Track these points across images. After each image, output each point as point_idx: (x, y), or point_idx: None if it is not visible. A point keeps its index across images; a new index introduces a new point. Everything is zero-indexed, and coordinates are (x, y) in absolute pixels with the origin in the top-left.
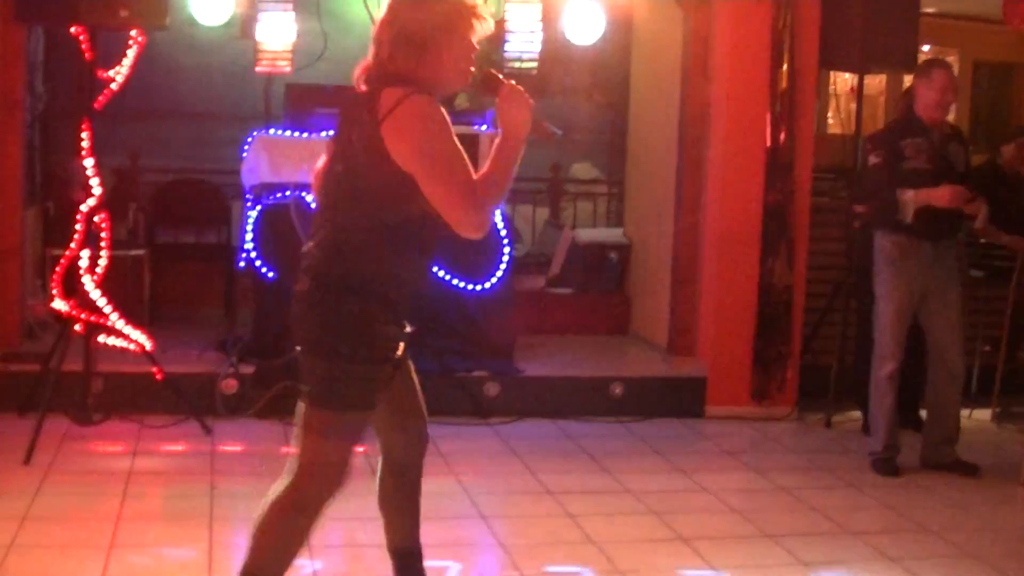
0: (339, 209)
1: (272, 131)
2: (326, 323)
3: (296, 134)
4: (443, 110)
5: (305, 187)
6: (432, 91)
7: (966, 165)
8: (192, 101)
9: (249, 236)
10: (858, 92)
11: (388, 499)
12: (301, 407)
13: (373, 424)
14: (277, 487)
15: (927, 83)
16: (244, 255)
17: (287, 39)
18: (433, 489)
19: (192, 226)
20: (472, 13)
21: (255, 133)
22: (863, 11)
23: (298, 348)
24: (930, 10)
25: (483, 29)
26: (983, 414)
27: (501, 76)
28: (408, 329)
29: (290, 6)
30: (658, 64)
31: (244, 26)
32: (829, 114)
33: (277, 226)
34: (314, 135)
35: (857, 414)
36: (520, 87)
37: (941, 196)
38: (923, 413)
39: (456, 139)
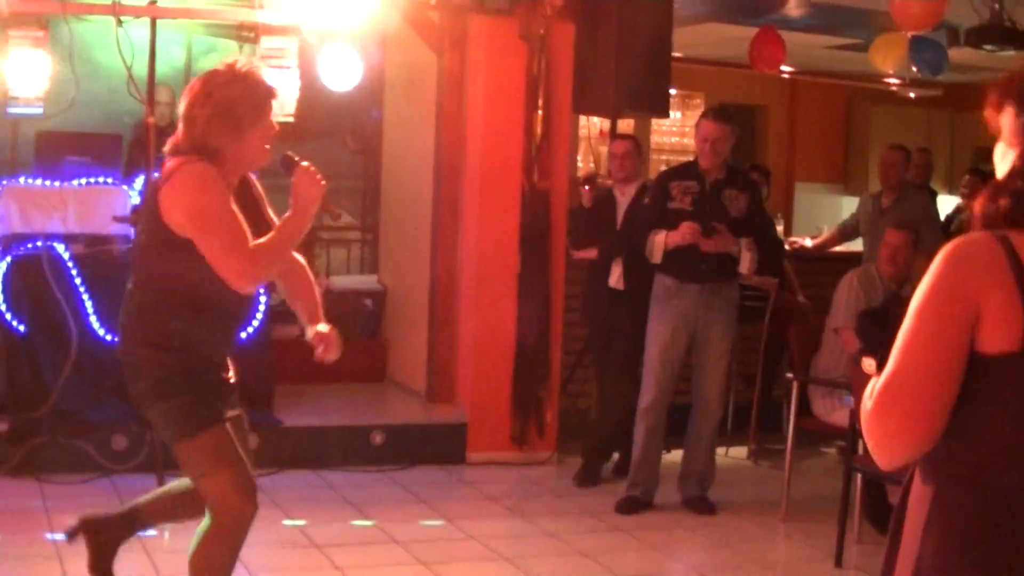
0: (136, 270)
1: (22, 179)
2: (139, 374)
3: (48, 183)
4: (217, 177)
5: (57, 237)
6: (235, 168)
7: (747, 211)
8: None
9: None
10: (611, 135)
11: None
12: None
13: None
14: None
15: (696, 131)
16: None
17: (40, 79)
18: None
19: None
20: (272, 95)
21: (4, 182)
22: (616, 56)
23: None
24: (678, 54)
25: (276, 110)
26: (740, 451)
27: (296, 158)
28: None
29: (42, 47)
30: (412, 108)
31: None
32: (579, 156)
33: (28, 278)
34: (66, 184)
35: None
36: (312, 168)
37: (677, 234)
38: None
39: (231, 206)
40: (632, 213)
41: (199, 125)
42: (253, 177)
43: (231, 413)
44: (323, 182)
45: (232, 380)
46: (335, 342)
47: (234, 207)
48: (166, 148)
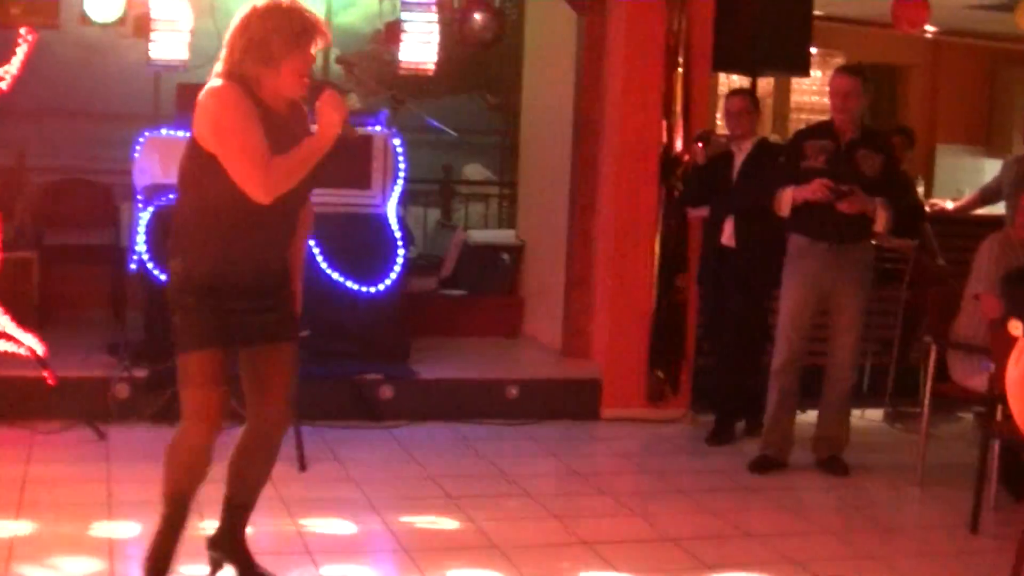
0: (177, 190)
1: (164, 131)
2: (168, 284)
3: (188, 134)
4: (245, 99)
5: None
6: (271, 98)
7: (882, 171)
8: (80, 100)
9: (141, 238)
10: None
11: (239, 458)
12: None
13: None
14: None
15: (829, 89)
16: (136, 257)
17: (182, 32)
18: (331, 493)
19: (81, 227)
20: (316, 29)
21: (146, 134)
22: (756, 14)
23: None
24: (818, 13)
25: (322, 44)
26: (875, 414)
27: (328, 85)
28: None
29: (186, 5)
30: (551, 65)
31: (137, 24)
32: (718, 115)
33: (169, 228)
34: None
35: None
36: (337, 93)
37: (806, 190)
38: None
39: (253, 121)
40: (748, 170)
41: (236, 54)
42: (305, 108)
43: (260, 343)
44: (344, 106)
45: (274, 309)
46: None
47: (254, 124)
48: (213, 71)
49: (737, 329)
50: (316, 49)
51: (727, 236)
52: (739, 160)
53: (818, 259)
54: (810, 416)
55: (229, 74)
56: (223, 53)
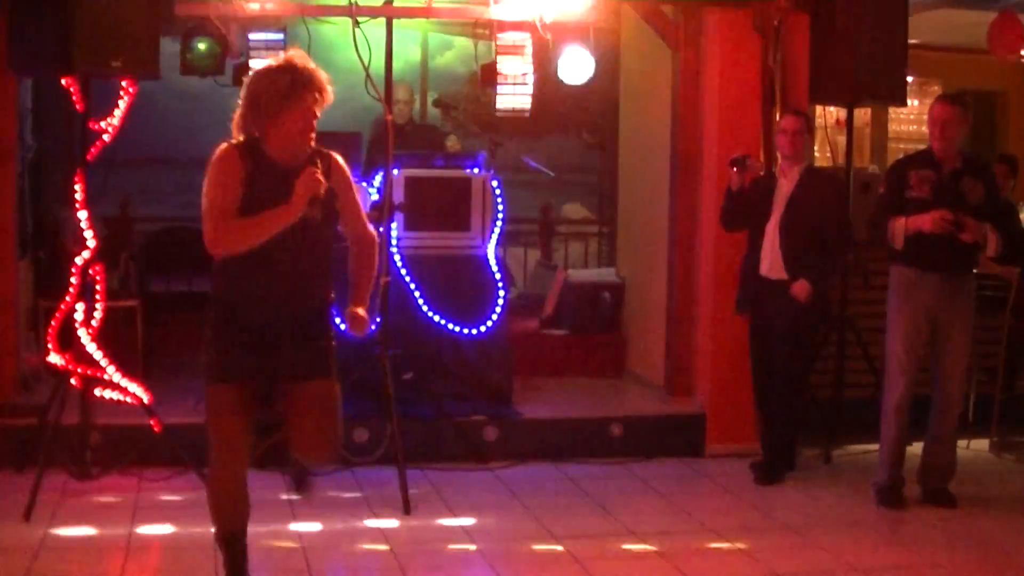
0: None
1: None
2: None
3: None
4: (231, 157)
5: None
6: (278, 153)
7: (985, 199)
8: (182, 149)
9: None
10: (847, 125)
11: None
12: None
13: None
14: None
15: (928, 117)
16: None
17: None
18: (438, 535)
19: (184, 274)
20: (306, 86)
21: None
22: (851, 45)
23: None
24: (914, 41)
25: (323, 100)
26: (981, 444)
27: (317, 171)
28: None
29: (281, 53)
30: (647, 103)
31: (236, 74)
32: (815, 147)
33: None
34: None
35: (858, 447)
36: (315, 174)
37: (923, 221)
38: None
39: (229, 178)
40: (799, 198)
41: (240, 113)
42: (340, 161)
43: (296, 383)
44: (318, 187)
45: (304, 346)
46: (362, 323)
47: (229, 182)
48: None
49: (786, 359)
50: (316, 105)
51: (767, 267)
52: (786, 187)
53: (930, 290)
54: (914, 447)
55: (239, 132)
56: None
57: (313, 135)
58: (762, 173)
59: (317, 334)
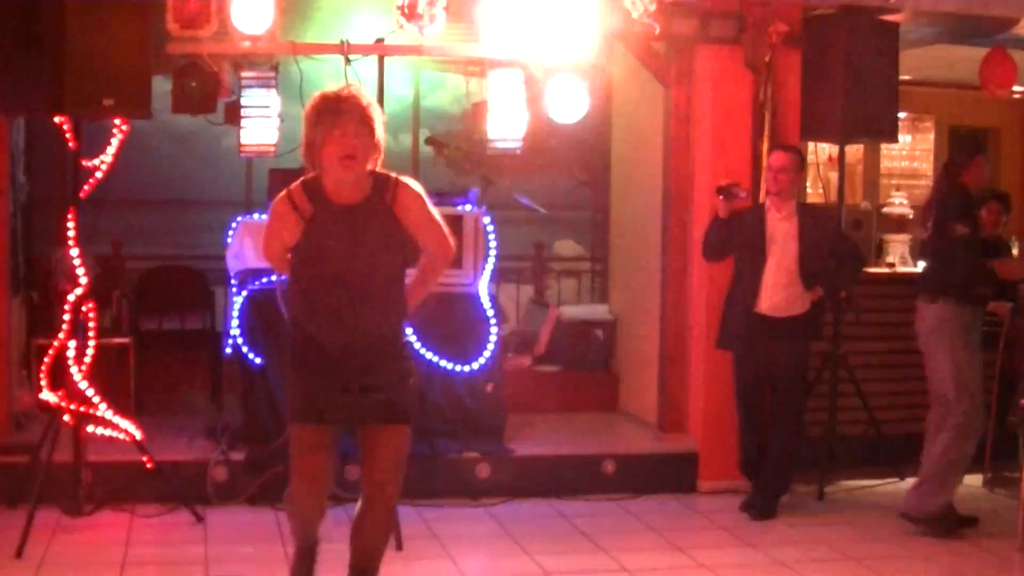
0: None
1: (256, 216)
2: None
3: None
4: (283, 206)
5: None
6: (333, 186)
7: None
8: (174, 188)
9: (235, 323)
10: (839, 162)
11: (355, 524)
12: None
13: None
14: None
15: (981, 161)
16: (231, 341)
17: (271, 124)
18: (430, 572)
19: (176, 313)
20: (338, 108)
21: (239, 219)
22: (844, 81)
23: None
24: (906, 77)
25: (366, 125)
26: (975, 479)
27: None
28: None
29: (273, 90)
30: (639, 140)
31: (228, 112)
32: (807, 183)
33: (263, 312)
34: None
35: (851, 483)
36: None
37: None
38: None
39: (273, 226)
40: (810, 238)
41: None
42: (407, 183)
43: (366, 423)
44: None
45: (379, 390)
46: None
47: (276, 229)
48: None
49: (787, 396)
50: (358, 131)
51: (767, 306)
52: (784, 227)
53: (978, 324)
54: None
55: (307, 166)
56: None
57: (357, 163)
58: (748, 202)
59: (394, 373)
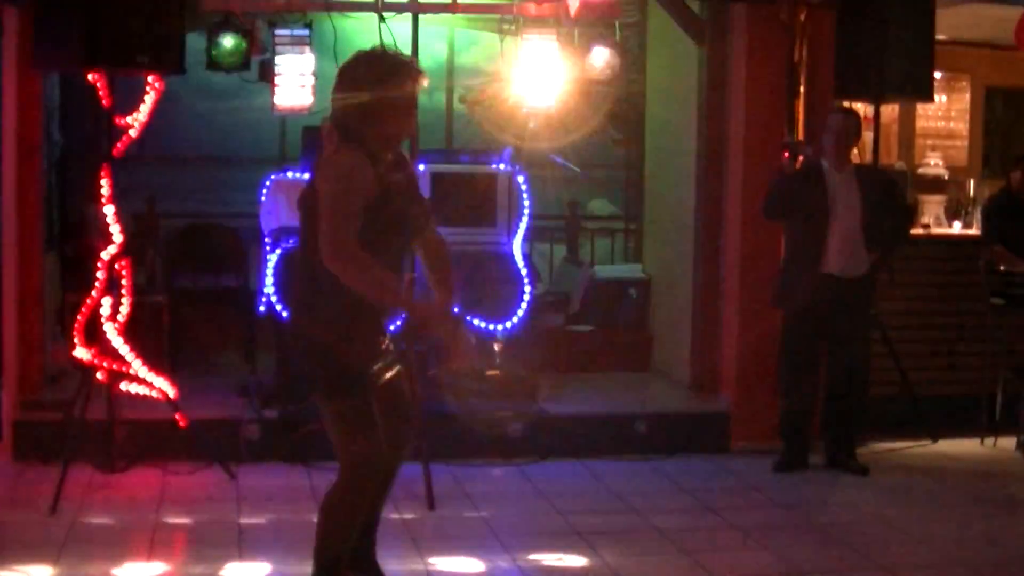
0: (306, 245)
1: (290, 174)
2: (299, 334)
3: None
4: (362, 168)
5: None
6: (381, 143)
7: None
8: (208, 145)
9: (269, 280)
10: (874, 121)
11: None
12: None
13: None
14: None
15: None
16: (264, 299)
17: (306, 75)
18: (462, 530)
19: (210, 270)
20: (406, 70)
21: (272, 177)
22: (878, 40)
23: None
24: (942, 37)
25: (418, 83)
26: (1008, 443)
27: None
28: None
29: (307, 49)
30: (673, 99)
31: (261, 70)
32: None
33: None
34: None
35: (884, 445)
36: (443, 315)
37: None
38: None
39: (357, 199)
40: (875, 199)
41: (337, 109)
42: (408, 158)
43: (387, 373)
44: (444, 326)
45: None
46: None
47: (358, 202)
48: (322, 130)
49: (861, 352)
50: (414, 89)
51: (838, 267)
52: (845, 185)
53: None
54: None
55: (341, 132)
56: (331, 111)
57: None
58: (814, 157)
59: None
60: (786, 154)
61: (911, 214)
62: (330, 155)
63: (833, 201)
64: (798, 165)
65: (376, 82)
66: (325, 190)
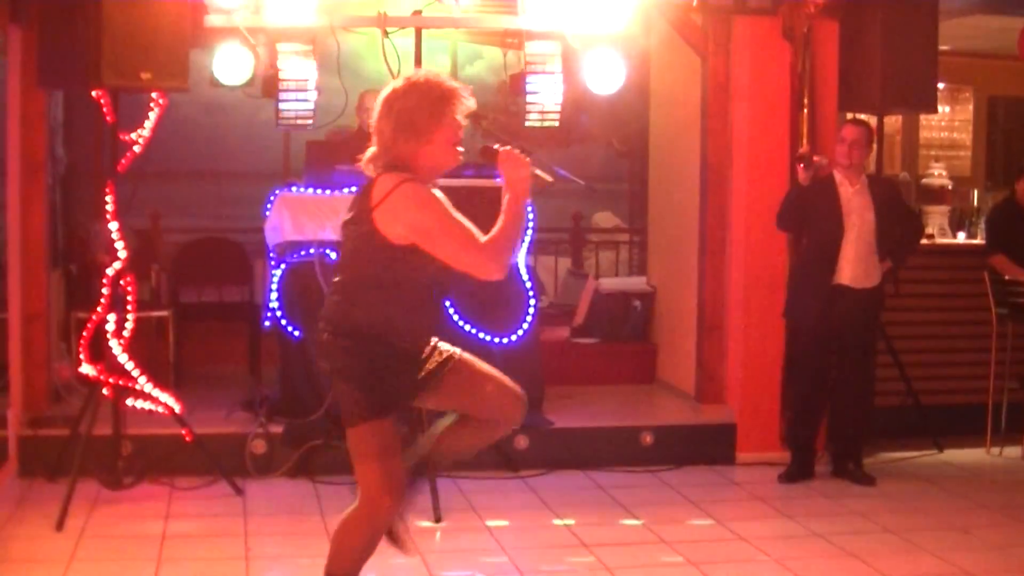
0: (345, 269)
1: (294, 189)
2: (331, 356)
3: (318, 191)
4: (432, 191)
5: (329, 244)
6: (429, 173)
7: None
8: (212, 160)
9: (274, 295)
10: (878, 132)
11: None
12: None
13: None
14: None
15: None
16: (269, 314)
17: (309, 91)
18: (467, 543)
19: (214, 285)
20: (457, 96)
21: (277, 191)
22: (882, 52)
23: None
24: (945, 48)
25: (466, 108)
26: (1013, 451)
27: (496, 146)
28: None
29: (312, 64)
30: (677, 111)
31: (265, 85)
32: None
33: (302, 284)
34: (336, 192)
35: (889, 455)
36: (514, 150)
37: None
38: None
39: (449, 208)
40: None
41: (387, 137)
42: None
43: (445, 366)
44: (527, 158)
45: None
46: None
47: (453, 210)
48: (363, 162)
49: (865, 364)
50: (462, 116)
51: (849, 277)
52: (857, 196)
53: None
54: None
55: (389, 160)
56: (374, 140)
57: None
58: (828, 169)
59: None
60: (801, 166)
61: (920, 223)
62: (392, 186)
63: (847, 212)
64: (810, 176)
65: (430, 114)
66: (418, 220)
